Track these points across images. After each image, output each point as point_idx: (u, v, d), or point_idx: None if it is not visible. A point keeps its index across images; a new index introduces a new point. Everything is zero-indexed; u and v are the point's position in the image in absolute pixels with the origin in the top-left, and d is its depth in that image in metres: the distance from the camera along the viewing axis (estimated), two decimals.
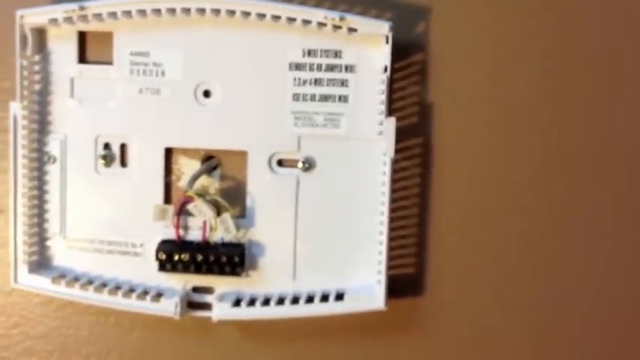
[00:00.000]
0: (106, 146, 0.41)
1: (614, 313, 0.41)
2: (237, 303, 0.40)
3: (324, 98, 0.39)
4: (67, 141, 0.41)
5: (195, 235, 0.40)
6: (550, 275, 0.41)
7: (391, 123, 0.38)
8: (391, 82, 0.39)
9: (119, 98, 0.40)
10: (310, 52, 0.39)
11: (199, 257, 0.39)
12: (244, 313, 0.40)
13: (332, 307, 0.40)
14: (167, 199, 0.41)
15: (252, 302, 0.40)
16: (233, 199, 0.40)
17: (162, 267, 0.40)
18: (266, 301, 0.40)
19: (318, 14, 0.37)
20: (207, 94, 0.40)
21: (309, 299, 0.40)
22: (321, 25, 0.38)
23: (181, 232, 0.40)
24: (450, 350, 0.42)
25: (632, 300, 0.41)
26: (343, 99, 0.39)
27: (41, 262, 0.42)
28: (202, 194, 0.40)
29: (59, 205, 0.41)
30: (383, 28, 0.38)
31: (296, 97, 0.39)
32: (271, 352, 0.43)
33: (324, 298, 0.40)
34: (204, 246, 0.40)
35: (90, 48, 0.41)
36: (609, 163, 0.41)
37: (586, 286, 0.41)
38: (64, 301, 0.42)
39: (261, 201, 0.40)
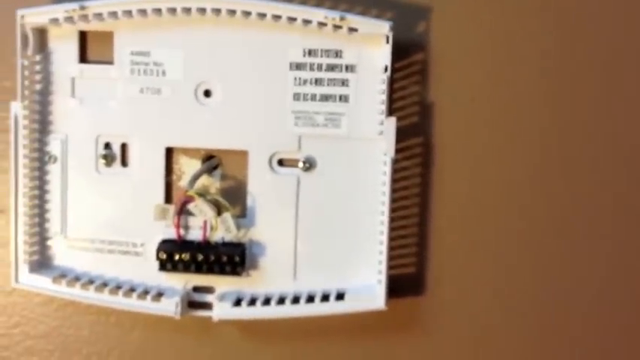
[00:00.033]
0: (107, 146, 0.41)
1: (614, 313, 0.41)
2: (237, 303, 0.40)
3: (325, 98, 0.39)
4: (67, 141, 0.41)
5: (195, 234, 0.40)
6: (550, 275, 0.41)
7: (392, 123, 0.38)
8: (392, 81, 0.39)
9: (120, 98, 0.40)
10: (311, 52, 0.39)
11: (200, 257, 0.39)
12: (245, 312, 0.40)
13: (332, 307, 0.40)
14: (168, 198, 0.41)
15: (252, 302, 0.40)
16: (234, 198, 0.40)
17: (163, 267, 0.40)
18: (267, 301, 0.40)
19: (318, 14, 0.37)
20: (207, 93, 0.40)
21: (310, 299, 0.40)
22: (322, 24, 0.38)
23: (182, 231, 0.40)
24: (451, 350, 0.42)
25: (632, 300, 0.41)
26: (344, 99, 0.39)
27: (42, 262, 0.42)
28: (203, 194, 0.40)
29: (60, 205, 0.41)
30: (383, 27, 0.38)
31: (296, 96, 0.39)
32: (272, 352, 0.43)
33: (325, 297, 0.40)
34: (205, 246, 0.40)
35: (91, 48, 0.41)
36: (609, 163, 0.41)
37: (586, 286, 0.41)
38: (65, 300, 0.42)
39: (261, 201, 0.40)
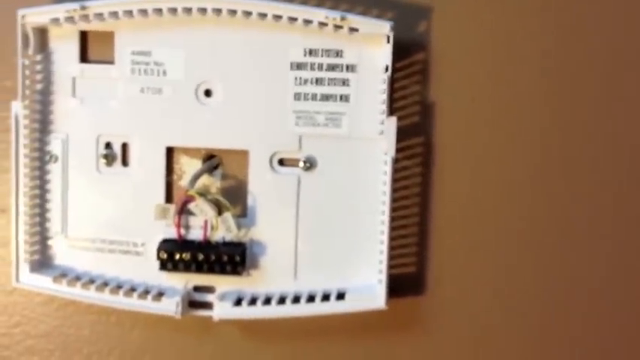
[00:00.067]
0: (108, 145, 0.41)
1: (614, 313, 0.41)
2: (238, 302, 0.40)
3: (326, 98, 0.39)
4: (68, 140, 0.41)
5: (196, 234, 0.40)
6: (550, 275, 0.41)
7: (392, 122, 0.38)
8: (392, 81, 0.39)
9: (120, 97, 0.40)
10: (311, 52, 0.39)
11: (200, 256, 0.39)
12: (245, 312, 0.40)
13: (333, 307, 0.40)
14: (168, 198, 0.41)
15: (253, 301, 0.40)
16: (234, 198, 0.40)
17: (164, 266, 0.40)
18: (267, 301, 0.40)
19: (319, 14, 0.37)
20: (208, 93, 0.40)
21: (311, 298, 0.40)
22: (323, 24, 0.38)
23: (182, 231, 0.40)
24: (451, 349, 0.42)
25: (632, 300, 0.41)
26: (344, 98, 0.39)
27: (43, 262, 0.42)
28: (203, 193, 0.40)
29: (61, 205, 0.41)
30: (384, 27, 0.38)
31: (297, 96, 0.39)
32: (272, 352, 0.43)
33: (326, 297, 0.40)
34: (206, 245, 0.40)
35: (91, 47, 0.41)
36: (610, 163, 0.41)
37: (586, 286, 0.41)
38: (66, 300, 0.42)
39: (262, 200, 0.40)
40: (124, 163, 0.41)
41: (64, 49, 0.40)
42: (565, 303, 0.42)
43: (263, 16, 0.38)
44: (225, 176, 0.41)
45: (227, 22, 0.39)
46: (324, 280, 0.40)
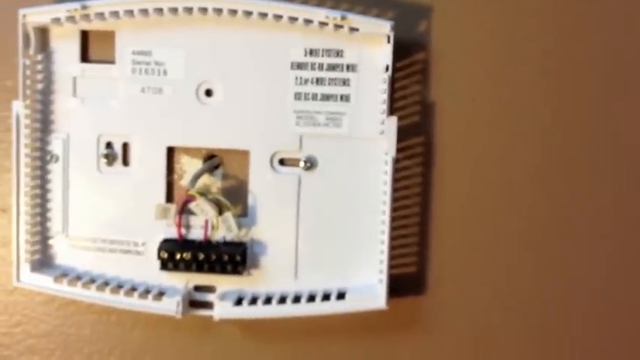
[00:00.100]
0: (108, 145, 0.41)
1: (614, 313, 0.41)
2: (238, 302, 0.40)
3: (326, 97, 0.39)
4: (69, 140, 0.41)
5: (197, 234, 0.40)
6: (551, 275, 0.41)
7: (393, 122, 0.38)
8: (393, 81, 0.39)
9: (121, 97, 0.40)
10: (312, 52, 0.39)
11: (201, 256, 0.39)
12: (246, 312, 0.40)
13: (333, 306, 0.40)
14: (169, 198, 0.41)
15: (253, 301, 0.40)
16: (235, 198, 0.40)
17: (164, 266, 0.40)
18: (268, 300, 0.40)
19: (319, 14, 0.38)
20: (209, 93, 0.40)
21: (311, 298, 0.40)
22: (323, 24, 0.38)
23: (183, 230, 0.40)
24: (452, 349, 0.42)
25: (632, 300, 0.41)
26: (345, 98, 0.39)
27: (43, 261, 0.42)
28: (204, 193, 0.40)
29: (61, 204, 0.41)
30: (384, 27, 0.38)
31: (298, 96, 0.39)
32: (273, 351, 0.43)
33: (326, 297, 0.40)
34: (206, 245, 0.40)
35: (92, 47, 0.41)
36: (610, 163, 0.41)
37: (586, 286, 0.41)
38: (66, 299, 0.42)
39: (262, 200, 0.40)
40: (125, 162, 0.41)
41: (65, 48, 0.40)
42: (565, 303, 0.42)
43: (264, 15, 0.38)
44: (226, 176, 0.41)
45: (228, 21, 0.39)
46: (325, 279, 0.40)
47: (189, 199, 0.39)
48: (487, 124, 0.41)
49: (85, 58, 0.41)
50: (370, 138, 0.39)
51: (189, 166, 0.41)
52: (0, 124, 0.42)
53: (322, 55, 0.39)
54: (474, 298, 0.42)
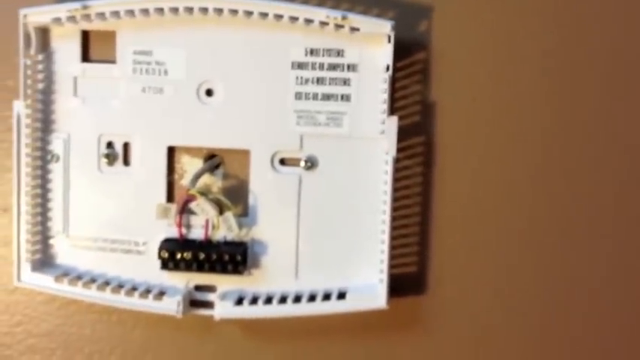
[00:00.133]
0: (109, 145, 0.41)
1: (614, 313, 0.41)
2: (239, 301, 0.40)
3: (327, 97, 0.39)
4: (70, 140, 0.41)
5: (197, 233, 0.41)
6: (551, 274, 0.41)
7: (393, 122, 0.38)
8: (393, 81, 0.39)
9: (122, 97, 0.40)
10: (312, 51, 0.39)
11: (202, 256, 0.39)
12: (246, 311, 0.40)
13: (334, 306, 0.40)
14: (170, 197, 0.41)
15: (254, 301, 0.40)
16: (235, 197, 0.40)
17: (165, 265, 0.40)
18: (268, 300, 0.40)
19: (320, 13, 0.38)
20: (209, 92, 0.40)
21: (312, 298, 0.40)
22: (324, 24, 0.38)
23: (184, 230, 0.40)
24: (452, 349, 0.42)
25: (632, 300, 0.41)
26: (345, 98, 0.39)
27: (44, 261, 0.42)
28: (205, 193, 0.40)
29: (62, 204, 0.41)
30: (385, 27, 0.38)
31: (298, 95, 0.39)
32: (273, 351, 0.43)
33: (327, 296, 0.40)
34: (207, 244, 0.40)
35: (93, 47, 0.41)
36: (610, 163, 0.41)
37: (586, 286, 0.41)
38: (67, 299, 0.42)
39: (263, 200, 0.40)
40: (126, 162, 0.41)
41: (66, 48, 0.40)
42: (565, 303, 0.42)
43: (264, 15, 0.38)
44: (227, 175, 0.41)
45: (228, 21, 0.39)
46: (325, 279, 0.40)
47: (190, 198, 0.39)
48: (487, 124, 0.41)
49: (85, 57, 0.41)
50: (371, 138, 0.39)
51: (190, 165, 0.41)
52: (1, 123, 0.42)
53: (323, 55, 0.39)
54: (475, 298, 0.42)
